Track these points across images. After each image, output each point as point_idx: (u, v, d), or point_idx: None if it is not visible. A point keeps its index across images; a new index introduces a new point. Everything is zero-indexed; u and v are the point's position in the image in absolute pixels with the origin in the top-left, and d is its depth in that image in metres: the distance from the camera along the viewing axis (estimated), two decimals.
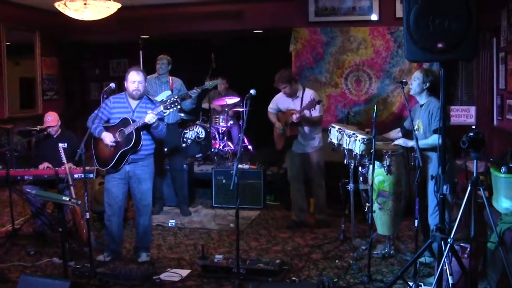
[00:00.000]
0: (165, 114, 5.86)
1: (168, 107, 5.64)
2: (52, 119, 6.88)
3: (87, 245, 5.42)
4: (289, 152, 7.26)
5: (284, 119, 7.11)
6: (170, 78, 7.86)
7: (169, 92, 7.72)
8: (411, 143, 5.59)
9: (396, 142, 5.80)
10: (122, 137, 5.59)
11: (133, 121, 5.56)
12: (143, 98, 5.82)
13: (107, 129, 5.74)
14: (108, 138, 5.62)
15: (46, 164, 6.63)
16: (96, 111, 5.78)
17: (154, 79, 7.81)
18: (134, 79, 5.68)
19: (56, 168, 6.48)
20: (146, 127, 5.61)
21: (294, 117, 6.83)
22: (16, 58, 11.08)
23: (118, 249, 6.04)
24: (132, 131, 5.52)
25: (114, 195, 5.82)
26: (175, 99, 5.66)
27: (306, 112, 6.95)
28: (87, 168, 5.93)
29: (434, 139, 5.24)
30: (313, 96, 6.94)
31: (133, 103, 5.78)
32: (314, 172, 7.16)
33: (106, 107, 5.81)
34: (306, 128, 7.05)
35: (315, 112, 6.99)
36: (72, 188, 6.26)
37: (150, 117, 5.46)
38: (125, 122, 5.60)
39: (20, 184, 6.94)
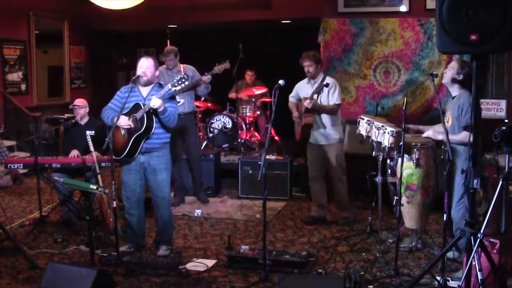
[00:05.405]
0: (174, 90, 5.66)
1: (176, 84, 5.48)
2: (79, 100, 6.96)
3: (114, 234, 5.45)
4: (308, 144, 7.02)
5: (301, 107, 6.81)
6: (182, 66, 7.70)
7: None
8: (440, 136, 5.49)
9: (425, 134, 5.70)
10: (135, 123, 5.50)
11: (144, 105, 5.49)
12: (154, 85, 5.73)
13: None
14: (123, 121, 5.50)
15: (75, 152, 6.67)
16: (109, 103, 5.78)
17: (166, 70, 7.64)
18: (142, 64, 5.60)
19: (84, 157, 6.51)
20: (156, 113, 5.48)
21: (306, 102, 6.59)
22: (45, 46, 11.17)
23: (141, 241, 6.04)
24: (143, 115, 5.42)
25: (131, 188, 5.77)
26: (182, 76, 5.51)
27: (324, 100, 6.73)
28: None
29: (464, 136, 5.13)
30: (327, 81, 6.63)
31: (144, 91, 5.69)
32: (333, 166, 6.88)
33: (117, 97, 5.77)
34: (322, 117, 6.79)
35: (332, 100, 6.72)
36: (99, 176, 6.29)
37: (154, 101, 5.33)
38: (136, 108, 5.51)
39: (48, 172, 7.00)
